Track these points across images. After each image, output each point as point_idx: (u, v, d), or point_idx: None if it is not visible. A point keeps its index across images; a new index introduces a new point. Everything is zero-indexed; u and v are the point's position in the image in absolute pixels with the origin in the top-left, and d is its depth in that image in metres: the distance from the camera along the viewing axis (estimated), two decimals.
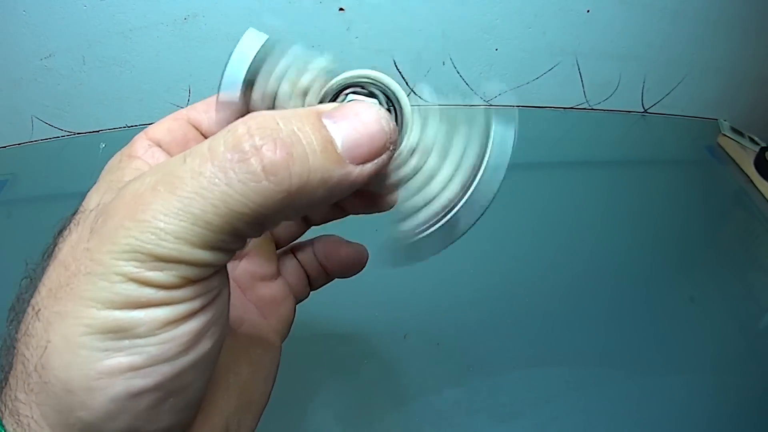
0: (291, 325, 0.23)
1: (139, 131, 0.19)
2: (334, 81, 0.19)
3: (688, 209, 0.62)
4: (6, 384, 0.14)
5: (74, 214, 0.16)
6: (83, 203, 0.16)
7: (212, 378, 0.17)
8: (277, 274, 0.23)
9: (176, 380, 0.14)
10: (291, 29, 0.59)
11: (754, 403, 0.43)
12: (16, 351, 0.14)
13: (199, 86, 0.60)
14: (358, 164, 0.15)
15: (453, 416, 0.39)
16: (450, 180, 0.20)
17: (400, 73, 0.65)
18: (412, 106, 0.19)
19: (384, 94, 0.19)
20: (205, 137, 0.19)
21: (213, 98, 0.20)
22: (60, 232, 0.15)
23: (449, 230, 0.20)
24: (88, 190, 0.18)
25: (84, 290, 0.12)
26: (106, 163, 0.19)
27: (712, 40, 0.68)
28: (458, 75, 0.66)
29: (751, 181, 0.63)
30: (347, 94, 0.19)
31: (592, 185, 0.63)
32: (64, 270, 0.13)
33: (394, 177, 0.19)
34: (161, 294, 0.13)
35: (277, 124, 0.14)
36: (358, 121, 0.15)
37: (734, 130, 0.71)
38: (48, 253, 0.15)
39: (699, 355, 0.45)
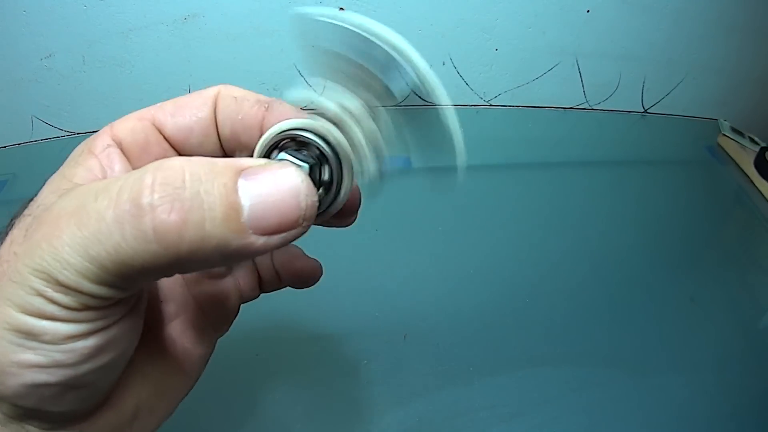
0: (231, 323, 0.23)
1: None
2: (281, 125, 0.18)
3: (688, 209, 0.62)
4: None
5: (31, 199, 0.17)
6: (40, 191, 0.17)
7: (128, 364, 0.18)
8: (228, 272, 0.22)
9: (78, 380, 0.15)
10: (290, 30, 0.59)
11: (755, 403, 0.43)
12: None
13: (199, 86, 0.60)
14: (263, 235, 0.14)
15: (453, 416, 0.39)
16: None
17: None
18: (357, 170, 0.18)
19: (324, 154, 0.18)
20: (168, 142, 0.19)
21: (180, 99, 0.20)
22: (16, 216, 0.16)
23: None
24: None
25: (6, 291, 0.14)
26: None
27: (712, 40, 0.68)
28: (458, 75, 0.66)
29: (751, 181, 0.63)
30: (286, 146, 0.18)
31: (592, 185, 0.63)
32: None
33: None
34: (64, 312, 0.14)
35: (184, 181, 0.14)
36: (275, 191, 0.14)
37: (734, 130, 0.71)
38: (3, 235, 0.16)
39: (699, 355, 0.45)
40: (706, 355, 0.46)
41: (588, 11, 0.63)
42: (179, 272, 0.15)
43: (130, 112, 0.20)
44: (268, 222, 0.14)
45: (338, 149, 0.18)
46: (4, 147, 0.61)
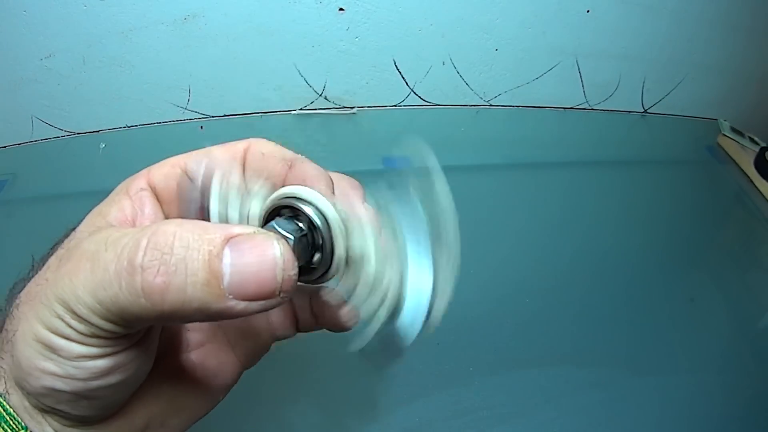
0: (259, 358, 0.23)
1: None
2: (278, 192, 0.18)
3: (688, 209, 0.62)
4: None
5: (74, 228, 0.18)
6: (81, 222, 0.19)
7: (144, 381, 0.19)
8: None
9: (89, 392, 0.16)
10: (291, 29, 0.59)
11: (755, 403, 0.43)
12: (5, 320, 0.17)
13: (199, 86, 0.60)
14: (243, 300, 0.15)
15: (453, 416, 0.39)
16: (379, 308, 0.19)
17: (400, 73, 0.65)
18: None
19: (314, 223, 0.18)
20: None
21: (213, 150, 0.20)
22: (59, 242, 0.18)
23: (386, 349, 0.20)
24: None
25: (37, 309, 0.16)
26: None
27: (712, 40, 0.68)
28: (458, 75, 0.66)
29: (751, 181, 0.63)
30: (278, 215, 0.18)
31: (591, 185, 0.63)
32: (35, 285, 0.17)
33: (329, 296, 0.19)
34: (78, 336, 0.16)
35: (172, 248, 0.15)
36: (254, 262, 0.15)
37: (734, 130, 0.71)
38: (46, 257, 0.18)
39: (699, 355, 0.45)
40: (706, 354, 0.46)
41: (588, 11, 0.63)
42: (170, 324, 0.17)
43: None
44: (246, 291, 0.15)
45: (328, 217, 0.18)
46: (4, 147, 0.61)
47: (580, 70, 0.68)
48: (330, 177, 0.20)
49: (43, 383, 0.16)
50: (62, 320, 0.15)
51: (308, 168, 0.20)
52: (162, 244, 0.15)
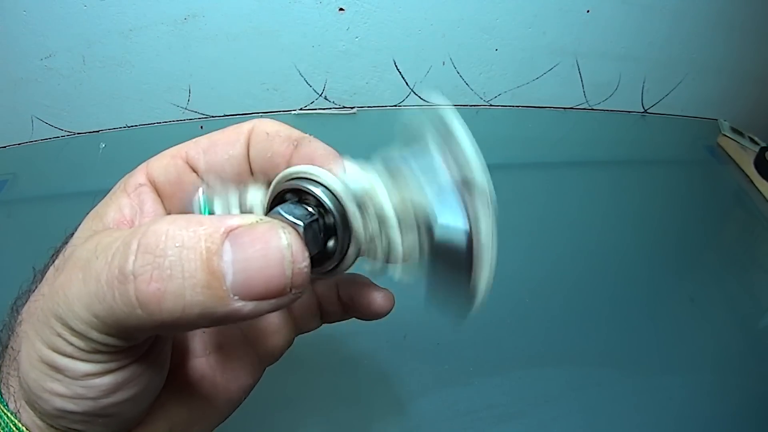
0: (281, 354, 0.22)
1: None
2: (283, 173, 0.16)
3: (688, 209, 0.62)
4: (3, 358, 0.17)
5: (72, 233, 0.17)
6: (79, 226, 0.18)
7: (164, 386, 0.18)
8: None
9: (101, 411, 0.15)
10: (291, 29, 0.59)
11: (755, 403, 0.43)
12: (9, 337, 0.17)
13: (199, 86, 0.60)
14: (250, 300, 0.14)
15: (453, 416, 0.39)
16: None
17: (400, 73, 0.65)
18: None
19: (324, 205, 0.16)
20: (202, 179, 0.19)
21: (215, 134, 0.19)
22: (59, 249, 0.17)
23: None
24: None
25: (37, 329, 0.15)
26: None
27: (712, 40, 0.68)
28: (458, 75, 0.66)
29: (751, 181, 0.63)
30: (284, 199, 0.16)
31: (592, 185, 0.63)
32: (34, 301, 0.16)
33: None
34: (79, 353, 0.14)
35: (165, 249, 0.13)
36: (259, 256, 0.13)
37: (734, 130, 0.71)
38: (45, 268, 0.17)
39: (699, 355, 0.45)
40: (706, 355, 0.46)
41: (588, 11, 0.63)
42: (175, 333, 0.15)
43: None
44: (253, 290, 0.14)
45: (341, 197, 0.16)
46: (4, 147, 0.61)
47: (580, 70, 0.68)
48: (340, 156, 0.18)
49: (54, 405, 0.15)
50: (62, 338, 0.14)
51: (317, 146, 0.18)
52: (153, 246, 0.13)
